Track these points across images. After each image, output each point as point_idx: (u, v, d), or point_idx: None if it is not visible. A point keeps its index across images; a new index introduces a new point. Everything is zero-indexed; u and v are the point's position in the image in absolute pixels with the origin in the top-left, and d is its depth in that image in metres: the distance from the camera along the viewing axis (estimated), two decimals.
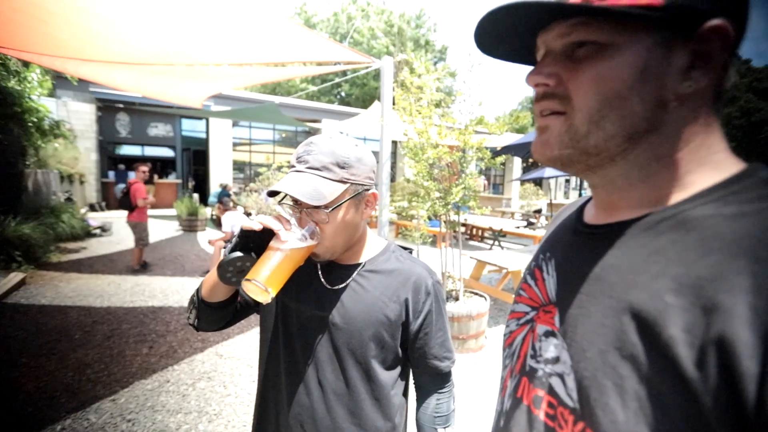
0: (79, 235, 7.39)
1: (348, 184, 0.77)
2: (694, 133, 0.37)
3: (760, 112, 17.40)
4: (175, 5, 2.26)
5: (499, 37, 0.43)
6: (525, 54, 0.45)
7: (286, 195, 0.78)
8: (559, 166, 0.42)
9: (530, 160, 20.10)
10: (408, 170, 3.79)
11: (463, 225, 7.28)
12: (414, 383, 0.92)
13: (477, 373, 2.98)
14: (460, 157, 3.42)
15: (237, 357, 3.12)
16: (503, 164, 3.98)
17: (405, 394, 0.91)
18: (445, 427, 0.87)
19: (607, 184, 0.43)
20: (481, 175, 3.90)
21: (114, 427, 2.22)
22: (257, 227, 0.70)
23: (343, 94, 25.80)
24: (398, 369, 0.87)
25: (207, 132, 13.62)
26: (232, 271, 0.73)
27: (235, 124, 14.20)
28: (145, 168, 5.49)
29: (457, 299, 3.45)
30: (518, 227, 8.07)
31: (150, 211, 5.85)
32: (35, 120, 6.40)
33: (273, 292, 0.68)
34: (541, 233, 7.90)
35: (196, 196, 10.80)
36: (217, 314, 0.88)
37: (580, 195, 6.31)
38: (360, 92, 24.45)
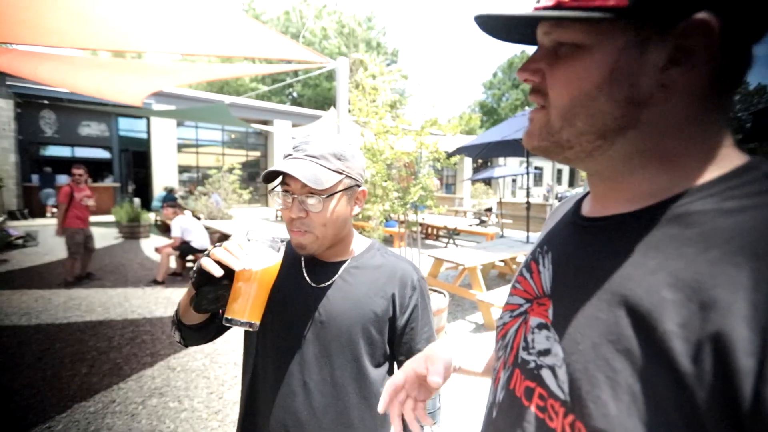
0: None
1: (343, 176, 0.79)
2: (685, 128, 0.37)
3: None
4: None
5: (505, 27, 0.43)
6: (534, 38, 0.44)
7: (278, 184, 0.77)
8: (542, 155, 0.44)
9: (480, 161, 20.98)
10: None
11: (420, 224, 7.44)
12: None
13: None
14: (417, 157, 3.50)
15: (191, 369, 2.95)
16: (455, 164, 4.12)
17: None
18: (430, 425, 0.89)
19: (596, 175, 0.44)
20: (435, 176, 4.03)
21: None
22: (218, 273, 0.66)
23: (295, 94, 25.26)
24: (386, 366, 0.88)
25: (148, 132, 12.69)
26: (208, 301, 0.71)
27: (180, 124, 13.38)
28: (80, 171, 5.00)
29: None
30: (471, 225, 8.40)
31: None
32: None
33: (257, 323, 0.68)
34: (493, 230, 8.28)
35: (137, 200, 10.04)
36: (200, 333, 0.84)
37: (527, 194, 6.68)
38: (312, 93, 24.08)
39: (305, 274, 0.85)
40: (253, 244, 0.70)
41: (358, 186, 0.83)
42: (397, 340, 0.86)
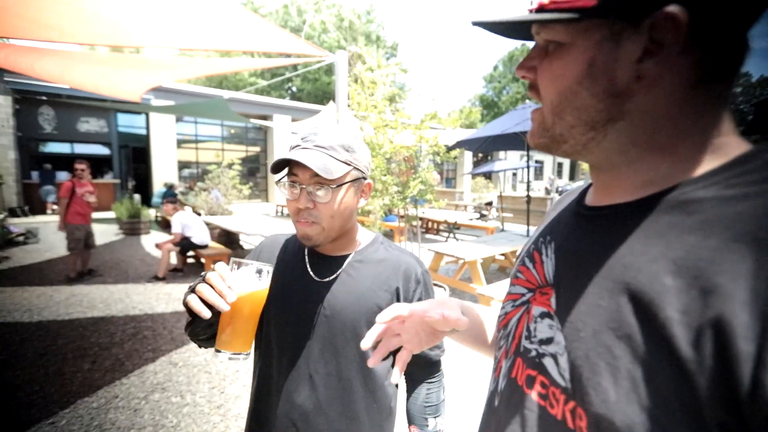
0: None
1: (351, 167, 0.79)
2: (676, 118, 0.37)
3: None
4: None
5: (504, 28, 0.44)
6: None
7: (284, 176, 0.77)
8: (544, 151, 0.46)
9: (480, 155, 20.92)
10: None
11: (420, 218, 7.44)
12: (404, 373, 0.94)
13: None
14: (416, 151, 3.48)
15: (193, 364, 2.97)
16: (455, 158, 4.11)
17: (396, 384, 0.92)
18: (435, 417, 0.89)
19: (596, 166, 0.45)
20: (435, 170, 4.02)
21: None
22: (206, 315, 0.65)
23: (294, 89, 25.14)
24: (391, 359, 0.88)
25: (147, 128, 12.65)
26: (202, 329, 0.72)
27: (179, 120, 13.32)
28: (82, 166, 5.00)
29: None
30: (471, 219, 8.39)
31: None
32: None
33: (247, 352, 0.69)
34: (493, 224, 8.28)
35: (137, 196, 10.04)
36: (211, 342, 0.85)
37: (527, 188, 6.67)
38: (312, 87, 23.97)
39: (309, 269, 0.85)
40: (238, 274, 0.69)
41: (364, 178, 0.84)
42: None
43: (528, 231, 6.10)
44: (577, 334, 0.39)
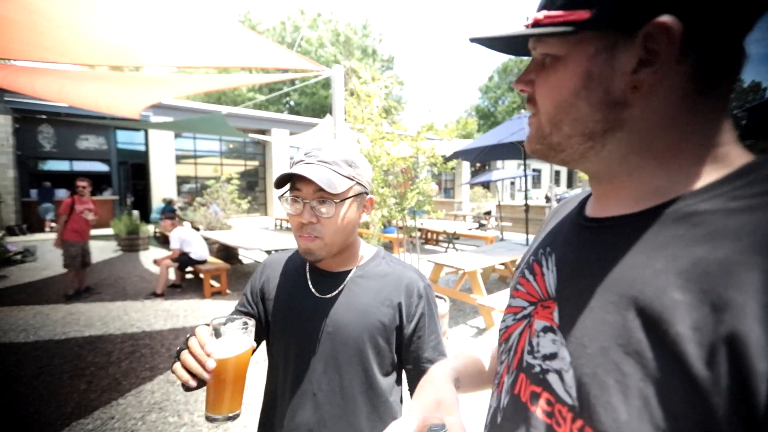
0: None
1: (354, 182, 0.79)
2: (674, 127, 0.37)
3: None
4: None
5: (502, 44, 0.45)
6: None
7: (286, 191, 0.77)
8: (540, 158, 0.46)
9: (477, 165, 21.01)
10: None
11: (419, 230, 7.43)
12: (408, 388, 0.92)
13: None
14: (413, 162, 3.50)
15: None
16: (453, 169, 4.13)
17: (401, 400, 0.91)
18: None
19: (595, 176, 0.45)
20: (433, 180, 4.03)
21: None
22: (192, 384, 0.66)
23: (292, 103, 25.39)
24: (395, 375, 0.88)
25: (146, 144, 12.72)
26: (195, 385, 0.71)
27: (177, 136, 13.41)
28: (83, 183, 5.02)
29: None
30: (471, 229, 8.39)
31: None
32: None
33: (238, 412, 0.68)
34: (492, 234, 8.27)
35: (136, 213, 10.03)
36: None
37: (525, 197, 6.69)
38: (309, 101, 24.21)
39: (310, 286, 0.85)
40: (221, 337, 0.68)
41: (366, 193, 0.84)
42: (405, 348, 0.86)
43: (527, 240, 6.09)
44: (583, 350, 0.37)
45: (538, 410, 0.42)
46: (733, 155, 0.37)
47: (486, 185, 17.32)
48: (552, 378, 0.41)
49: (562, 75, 0.40)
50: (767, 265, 0.28)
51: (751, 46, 0.36)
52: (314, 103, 24.01)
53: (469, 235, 7.80)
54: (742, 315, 0.27)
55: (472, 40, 0.42)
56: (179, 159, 13.60)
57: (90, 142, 12.25)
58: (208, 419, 0.67)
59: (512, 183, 25.47)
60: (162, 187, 12.56)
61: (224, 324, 0.69)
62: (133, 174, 13.04)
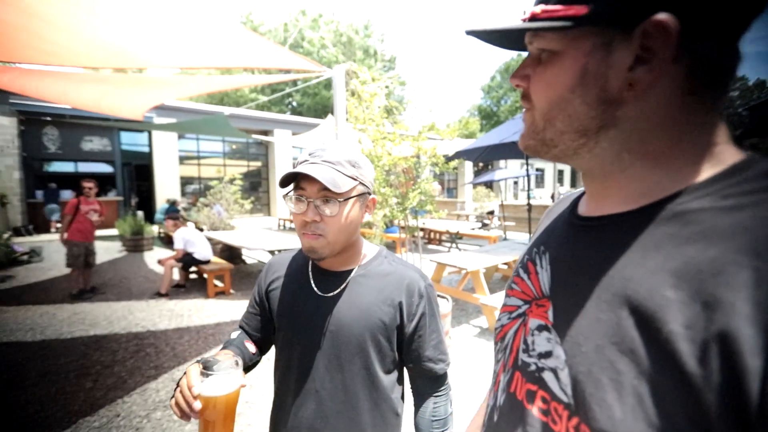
0: (2, 263, 6.62)
1: (357, 182, 0.80)
2: (669, 126, 0.37)
3: None
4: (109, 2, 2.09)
5: (500, 38, 0.45)
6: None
7: (291, 190, 0.79)
8: (533, 154, 0.46)
9: (480, 164, 20.97)
10: None
11: (422, 229, 7.43)
12: (410, 387, 0.93)
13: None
14: (415, 162, 3.50)
15: None
16: (455, 169, 4.13)
17: (402, 397, 0.92)
18: (443, 431, 0.88)
19: (589, 173, 0.44)
20: (435, 180, 4.03)
21: None
22: (185, 420, 0.71)
23: (294, 103, 25.45)
24: (396, 373, 0.89)
25: (150, 145, 12.80)
26: None
27: (181, 137, 13.48)
28: (90, 184, 5.07)
29: None
30: (473, 229, 8.38)
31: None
32: None
33: None
34: (495, 233, 8.26)
35: (140, 213, 10.09)
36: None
37: (528, 196, 6.68)
38: (312, 102, 24.26)
39: (313, 285, 0.86)
40: (211, 376, 0.70)
41: (369, 193, 0.85)
42: (406, 347, 0.87)
43: (530, 239, 6.08)
44: (577, 349, 0.38)
45: (534, 408, 0.42)
46: (726, 154, 0.37)
47: (489, 185, 17.29)
48: (547, 376, 0.41)
49: (558, 70, 0.40)
50: (757, 263, 0.28)
51: (756, 44, 0.36)
52: (317, 103, 24.06)
53: (472, 235, 7.80)
54: (733, 313, 0.28)
55: (469, 32, 0.41)
56: (183, 160, 13.67)
57: (94, 143, 12.35)
58: None
59: (515, 182, 25.41)
60: (166, 188, 12.64)
61: (214, 364, 0.70)
62: (137, 175, 13.12)
